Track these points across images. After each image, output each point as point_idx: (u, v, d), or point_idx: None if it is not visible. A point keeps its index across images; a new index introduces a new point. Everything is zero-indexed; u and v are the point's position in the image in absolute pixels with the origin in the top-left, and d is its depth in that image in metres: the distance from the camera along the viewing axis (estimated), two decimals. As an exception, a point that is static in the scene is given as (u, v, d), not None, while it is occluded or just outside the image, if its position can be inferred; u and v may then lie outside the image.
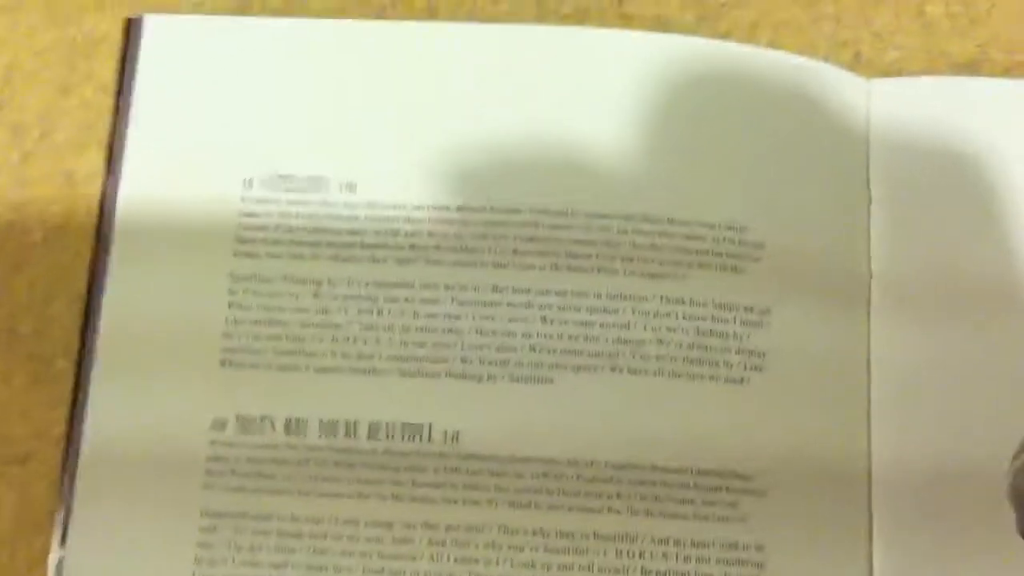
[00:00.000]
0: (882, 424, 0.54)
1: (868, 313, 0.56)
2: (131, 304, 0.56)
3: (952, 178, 0.58)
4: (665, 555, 0.53)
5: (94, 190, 0.59)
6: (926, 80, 0.59)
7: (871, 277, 0.57)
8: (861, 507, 0.53)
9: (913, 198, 0.58)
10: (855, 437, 0.54)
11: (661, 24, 0.61)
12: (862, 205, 0.58)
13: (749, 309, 0.56)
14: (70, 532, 0.54)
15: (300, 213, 0.57)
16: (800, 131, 0.58)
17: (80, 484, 0.54)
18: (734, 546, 0.53)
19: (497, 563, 0.53)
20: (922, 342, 0.55)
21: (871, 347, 0.56)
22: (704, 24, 0.61)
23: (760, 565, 0.53)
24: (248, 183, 0.58)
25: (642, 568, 0.53)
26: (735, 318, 0.56)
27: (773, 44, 0.60)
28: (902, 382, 0.55)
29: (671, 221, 0.57)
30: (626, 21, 0.61)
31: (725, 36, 0.60)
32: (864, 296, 0.56)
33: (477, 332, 0.55)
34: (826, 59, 0.60)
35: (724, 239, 0.57)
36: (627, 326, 0.55)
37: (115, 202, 0.58)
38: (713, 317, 0.56)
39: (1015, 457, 0.52)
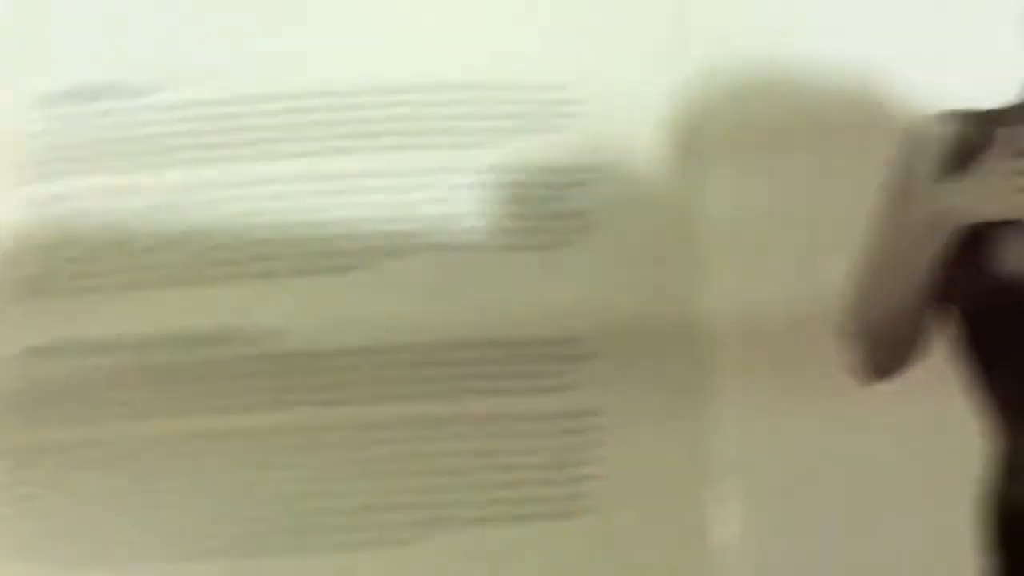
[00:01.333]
0: (714, 276, 0.54)
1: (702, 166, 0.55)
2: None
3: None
4: (496, 435, 0.54)
5: None
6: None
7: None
8: (698, 360, 0.54)
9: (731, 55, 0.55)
10: (688, 291, 0.54)
11: None
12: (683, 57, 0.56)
13: (569, 170, 0.55)
14: None
15: (91, 126, 0.54)
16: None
17: None
18: (568, 415, 0.54)
19: (336, 462, 0.54)
20: (753, 192, 0.55)
21: (705, 199, 0.55)
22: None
23: (600, 429, 0.53)
24: (37, 100, 0.54)
25: (476, 450, 0.54)
26: (555, 181, 0.55)
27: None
28: (733, 233, 0.54)
29: (479, 86, 0.54)
30: None
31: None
32: (698, 149, 0.55)
33: (283, 227, 0.54)
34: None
35: (538, 100, 0.55)
36: (442, 201, 0.54)
37: None
38: (532, 183, 0.54)
39: (848, 291, 0.53)
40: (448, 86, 0.55)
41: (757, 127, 0.55)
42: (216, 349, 0.55)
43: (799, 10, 0.54)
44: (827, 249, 0.54)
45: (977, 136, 0.51)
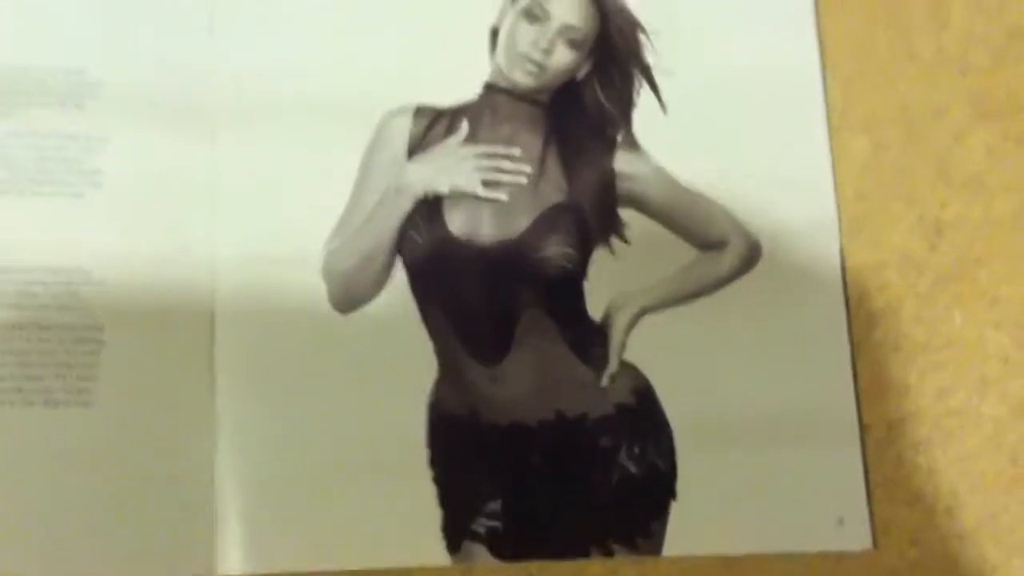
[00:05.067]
0: (220, 226, 0.64)
1: (213, 140, 0.66)
2: None
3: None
4: (13, 337, 0.60)
5: None
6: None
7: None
8: (201, 290, 0.63)
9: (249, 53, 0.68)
10: (191, 238, 0.64)
11: None
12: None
13: (89, 138, 0.64)
14: None
15: None
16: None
17: None
18: (73, 327, 0.61)
19: None
20: (257, 159, 0.66)
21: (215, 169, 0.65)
22: None
23: (98, 343, 0.61)
24: None
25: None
26: (76, 146, 0.63)
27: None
28: (239, 193, 0.65)
29: (20, 68, 0.64)
30: None
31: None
32: (207, 123, 0.66)
33: None
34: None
35: (67, 80, 0.64)
36: None
37: None
38: (56, 146, 0.63)
39: (329, 241, 0.66)
40: None
41: (262, 107, 0.67)
42: None
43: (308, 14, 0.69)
44: (313, 208, 0.66)
45: (442, 126, 0.68)
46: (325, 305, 0.65)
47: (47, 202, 0.63)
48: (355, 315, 0.65)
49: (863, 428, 0.66)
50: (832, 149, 0.70)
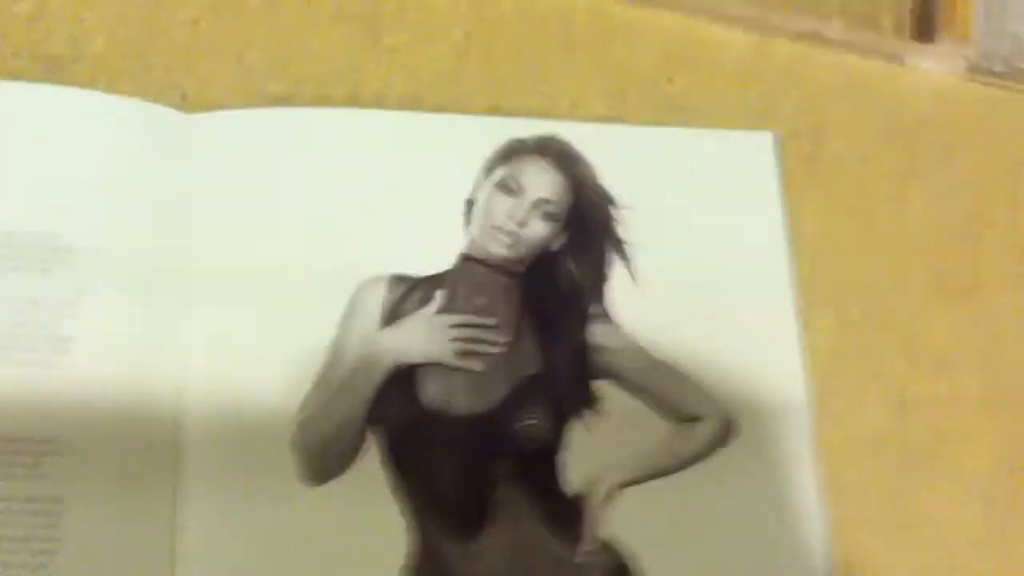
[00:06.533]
0: (188, 394, 0.63)
1: (185, 302, 0.65)
2: None
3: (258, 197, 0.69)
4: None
5: None
6: (242, 112, 0.70)
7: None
8: (167, 457, 0.61)
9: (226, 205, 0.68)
10: (159, 398, 0.62)
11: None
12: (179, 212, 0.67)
13: (59, 302, 0.62)
14: None
15: None
16: (115, 157, 0.66)
17: None
18: (32, 499, 0.58)
19: None
20: (229, 324, 0.65)
21: (181, 331, 0.64)
22: (52, 74, 0.69)
23: (58, 514, 0.59)
24: None
25: None
26: (46, 310, 0.62)
27: (111, 90, 0.68)
28: (208, 364, 0.64)
29: None
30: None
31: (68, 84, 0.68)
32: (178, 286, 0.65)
33: None
34: (156, 100, 0.69)
35: (36, 244, 0.63)
36: None
37: None
38: (25, 311, 0.62)
39: (300, 410, 0.64)
40: None
41: (235, 271, 0.66)
42: None
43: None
44: (283, 381, 0.65)
45: (417, 295, 0.67)
46: (293, 478, 0.63)
47: (13, 370, 0.61)
48: (324, 489, 0.63)
49: (840, 609, 0.66)
50: (800, 324, 0.71)
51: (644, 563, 0.64)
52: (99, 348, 0.63)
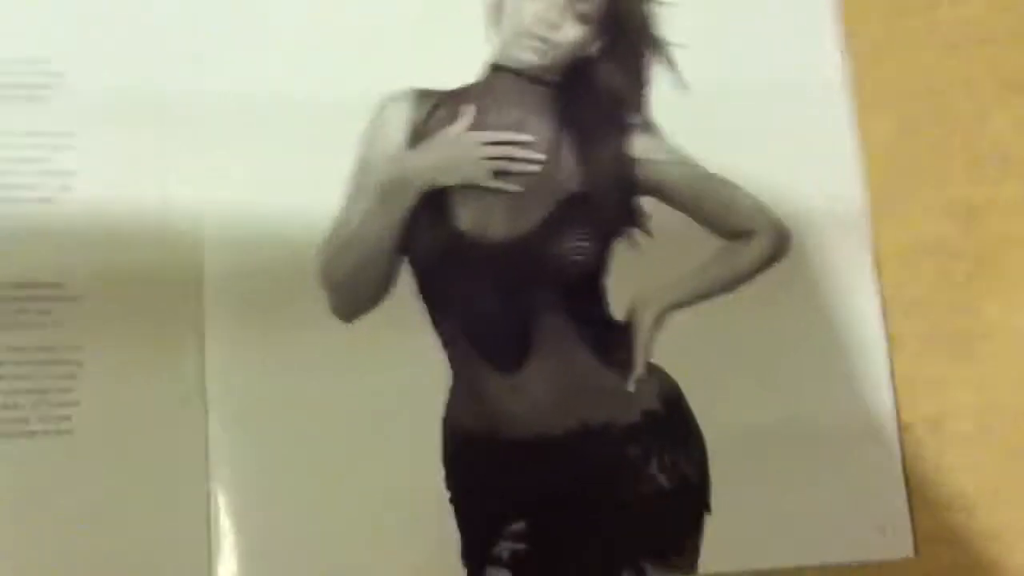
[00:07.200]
0: (209, 238, 0.58)
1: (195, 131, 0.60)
2: None
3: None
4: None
5: None
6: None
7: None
8: (188, 297, 0.57)
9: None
10: (187, 242, 0.58)
11: None
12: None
13: (54, 134, 0.57)
14: None
15: None
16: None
17: None
18: (49, 348, 0.54)
19: None
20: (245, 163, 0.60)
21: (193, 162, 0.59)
22: None
23: (76, 363, 0.55)
24: None
25: None
26: (43, 143, 0.57)
27: None
28: (228, 205, 0.59)
29: None
30: None
31: None
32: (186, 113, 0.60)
33: None
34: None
35: (26, 71, 0.58)
36: None
37: None
38: (20, 145, 0.57)
39: (326, 242, 0.60)
40: None
41: (246, 108, 0.61)
42: None
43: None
44: (306, 212, 0.60)
45: (444, 112, 0.62)
46: (326, 313, 0.59)
47: (10, 207, 0.56)
48: (359, 323, 0.59)
49: (901, 427, 0.62)
50: (857, 128, 0.65)
51: (696, 391, 0.61)
52: (104, 182, 0.58)
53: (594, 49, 0.63)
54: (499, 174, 0.61)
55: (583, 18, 0.62)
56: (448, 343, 0.60)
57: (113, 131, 0.59)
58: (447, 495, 0.58)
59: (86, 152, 0.58)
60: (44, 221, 0.57)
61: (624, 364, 0.61)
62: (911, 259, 0.64)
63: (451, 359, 0.59)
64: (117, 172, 0.58)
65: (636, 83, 0.63)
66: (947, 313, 0.64)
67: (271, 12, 0.62)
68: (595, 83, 0.63)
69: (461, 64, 0.62)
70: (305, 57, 0.62)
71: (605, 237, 0.61)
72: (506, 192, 0.61)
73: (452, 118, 0.61)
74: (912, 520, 0.62)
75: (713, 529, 0.60)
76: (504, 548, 0.58)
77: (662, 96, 0.63)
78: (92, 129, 0.58)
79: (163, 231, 0.58)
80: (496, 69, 0.62)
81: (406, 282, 0.60)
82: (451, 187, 0.60)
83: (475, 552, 0.58)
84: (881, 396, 0.62)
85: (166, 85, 0.60)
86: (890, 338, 0.63)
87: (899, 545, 0.61)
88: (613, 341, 0.61)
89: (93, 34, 0.59)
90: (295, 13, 0.62)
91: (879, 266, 0.64)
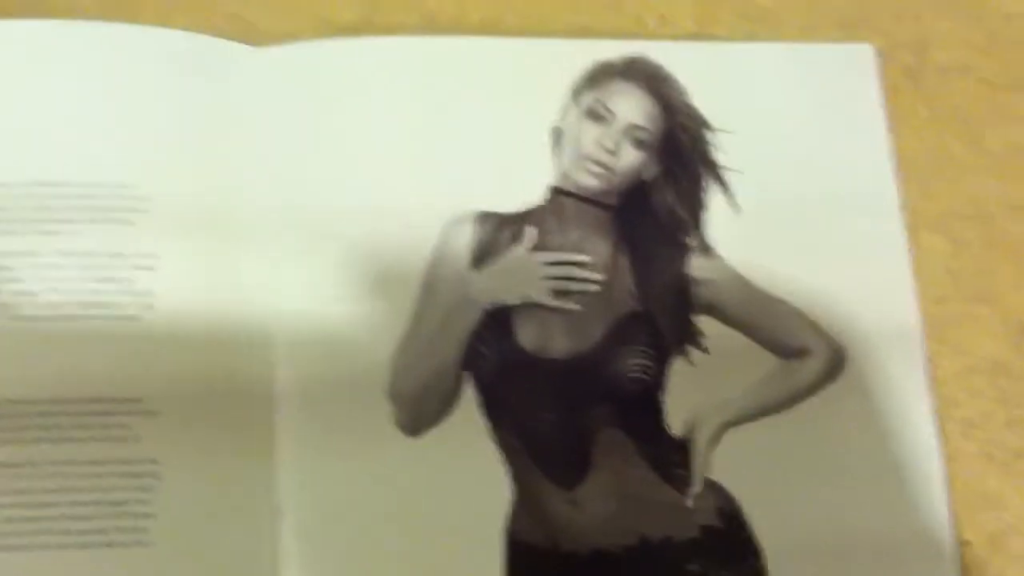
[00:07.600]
0: (280, 356, 0.61)
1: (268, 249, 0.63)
2: None
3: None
4: (63, 474, 0.56)
5: None
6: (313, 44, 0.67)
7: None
8: (264, 420, 0.59)
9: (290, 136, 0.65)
10: (250, 359, 0.60)
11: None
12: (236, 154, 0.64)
13: (139, 255, 0.60)
14: None
15: None
16: (185, 98, 0.64)
17: None
18: (127, 461, 0.57)
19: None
20: (315, 274, 0.63)
21: (267, 280, 0.62)
22: (109, 11, 0.66)
23: (154, 476, 0.57)
24: None
25: (43, 488, 0.57)
26: (127, 264, 0.60)
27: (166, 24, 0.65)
28: (299, 315, 0.62)
29: (64, 184, 0.61)
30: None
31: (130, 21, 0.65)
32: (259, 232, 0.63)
33: None
34: (217, 34, 0.66)
35: (113, 195, 0.61)
36: (20, 280, 0.58)
37: None
38: (106, 265, 0.60)
39: (394, 358, 0.62)
40: (43, 183, 0.61)
41: (318, 221, 0.64)
42: None
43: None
44: (374, 328, 0.63)
45: (507, 233, 0.64)
46: (391, 428, 0.61)
47: (97, 325, 0.59)
48: (424, 438, 0.61)
49: (961, 544, 0.63)
50: (910, 250, 0.67)
51: (751, 506, 0.61)
52: (183, 301, 0.60)
53: (652, 173, 0.65)
54: (559, 293, 0.63)
55: (641, 144, 0.65)
56: (509, 457, 0.61)
57: (192, 250, 0.61)
58: (509, 608, 0.59)
59: (167, 271, 0.61)
60: (126, 339, 0.59)
61: (682, 479, 0.62)
62: (966, 377, 0.65)
63: (513, 473, 0.61)
64: (195, 290, 0.61)
65: (693, 206, 0.65)
66: (1003, 431, 0.65)
67: (348, 134, 0.65)
68: (653, 206, 0.65)
69: (524, 187, 0.65)
70: (379, 177, 0.64)
71: (663, 355, 0.63)
72: (566, 311, 0.63)
73: (515, 239, 0.64)
74: (973, 639, 0.62)
75: (772, 645, 0.60)
76: (564, 661, 0.59)
77: (718, 217, 0.66)
78: (174, 249, 0.61)
79: (236, 345, 0.61)
80: (557, 192, 0.65)
81: (469, 397, 0.62)
82: (514, 305, 0.63)
83: (536, 666, 0.59)
84: (939, 513, 0.62)
85: (243, 202, 0.63)
86: (947, 456, 0.64)
87: (961, 665, 0.61)
88: (671, 457, 0.62)
89: (176, 160, 0.63)
90: (370, 136, 0.65)
91: (935, 384, 0.65)
